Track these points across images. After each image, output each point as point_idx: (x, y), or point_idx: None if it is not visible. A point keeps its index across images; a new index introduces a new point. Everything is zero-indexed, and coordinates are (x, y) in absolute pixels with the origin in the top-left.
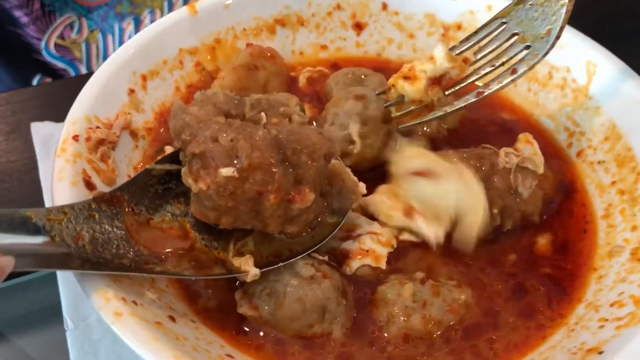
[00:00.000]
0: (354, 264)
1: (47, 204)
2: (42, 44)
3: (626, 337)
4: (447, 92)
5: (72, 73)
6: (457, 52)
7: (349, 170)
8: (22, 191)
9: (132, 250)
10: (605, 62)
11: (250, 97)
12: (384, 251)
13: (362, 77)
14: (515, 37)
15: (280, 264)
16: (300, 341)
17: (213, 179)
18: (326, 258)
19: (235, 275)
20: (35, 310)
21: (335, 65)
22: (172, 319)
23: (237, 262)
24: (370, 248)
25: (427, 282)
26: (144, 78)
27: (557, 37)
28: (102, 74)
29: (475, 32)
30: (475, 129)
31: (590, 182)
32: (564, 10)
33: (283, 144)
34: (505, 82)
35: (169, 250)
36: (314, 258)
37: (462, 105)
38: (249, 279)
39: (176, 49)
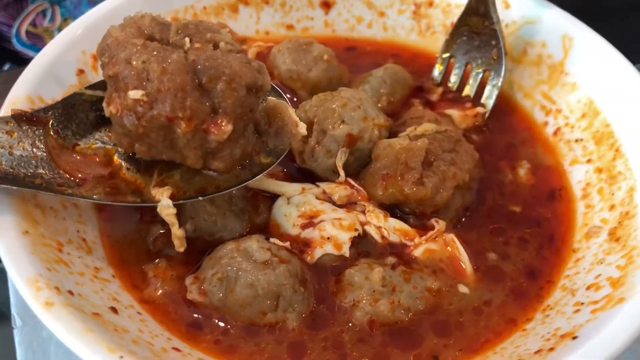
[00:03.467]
0: (316, 253)
1: None
2: (13, 31)
3: (602, 320)
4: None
5: None
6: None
7: (292, 110)
8: None
9: (51, 172)
10: (582, 36)
11: (178, 22)
12: (345, 236)
13: (304, 46)
14: (469, 66)
15: (200, 198)
16: (253, 331)
17: (122, 101)
18: (287, 245)
19: (147, 205)
20: None
21: None
22: (114, 310)
23: (154, 192)
24: (332, 235)
25: (398, 267)
26: (95, 58)
27: (505, 54)
28: (47, 53)
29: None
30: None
31: (567, 162)
32: (497, 29)
33: (200, 69)
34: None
35: (89, 175)
36: (273, 243)
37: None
38: (158, 208)
39: None
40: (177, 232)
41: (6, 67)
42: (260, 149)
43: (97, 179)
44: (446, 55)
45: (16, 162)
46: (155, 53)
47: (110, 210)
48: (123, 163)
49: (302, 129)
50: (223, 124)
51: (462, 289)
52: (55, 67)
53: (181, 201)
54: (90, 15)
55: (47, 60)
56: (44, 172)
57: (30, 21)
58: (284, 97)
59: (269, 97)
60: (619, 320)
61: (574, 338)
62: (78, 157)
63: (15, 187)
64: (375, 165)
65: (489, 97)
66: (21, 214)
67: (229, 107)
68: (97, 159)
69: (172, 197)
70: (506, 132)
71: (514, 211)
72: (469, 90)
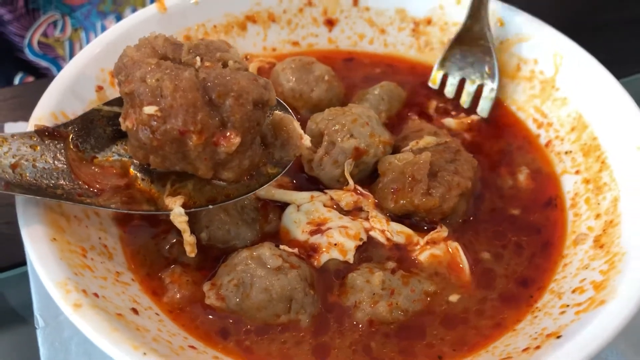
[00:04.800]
0: (323, 257)
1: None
2: (25, 42)
3: (584, 321)
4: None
5: (55, 71)
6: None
7: (297, 123)
8: None
9: (71, 183)
10: (572, 53)
11: (190, 42)
12: (351, 244)
13: (309, 64)
14: (464, 82)
15: (210, 207)
16: (267, 331)
17: (138, 116)
18: (296, 251)
19: (161, 212)
20: (6, 309)
21: None
22: (135, 311)
23: (168, 201)
24: (339, 241)
25: (397, 271)
26: (113, 75)
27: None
28: (69, 71)
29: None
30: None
31: (558, 173)
32: (490, 46)
33: (209, 86)
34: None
35: (107, 185)
36: (284, 250)
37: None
38: (171, 216)
39: None
40: (188, 238)
41: (19, 76)
42: (267, 160)
43: (114, 189)
44: (440, 72)
45: (39, 174)
46: (168, 71)
47: (129, 220)
48: (138, 174)
49: (307, 141)
50: (232, 137)
51: (458, 294)
52: (75, 84)
53: (193, 209)
54: (108, 35)
55: (68, 77)
56: (64, 183)
57: (42, 32)
58: (289, 112)
59: (276, 112)
60: (599, 321)
61: (558, 337)
62: (96, 169)
63: (39, 197)
64: (384, 180)
65: (483, 110)
66: (49, 223)
67: (237, 121)
68: (114, 171)
69: (184, 206)
70: (501, 139)
71: (514, 215)
72: (464, 102)
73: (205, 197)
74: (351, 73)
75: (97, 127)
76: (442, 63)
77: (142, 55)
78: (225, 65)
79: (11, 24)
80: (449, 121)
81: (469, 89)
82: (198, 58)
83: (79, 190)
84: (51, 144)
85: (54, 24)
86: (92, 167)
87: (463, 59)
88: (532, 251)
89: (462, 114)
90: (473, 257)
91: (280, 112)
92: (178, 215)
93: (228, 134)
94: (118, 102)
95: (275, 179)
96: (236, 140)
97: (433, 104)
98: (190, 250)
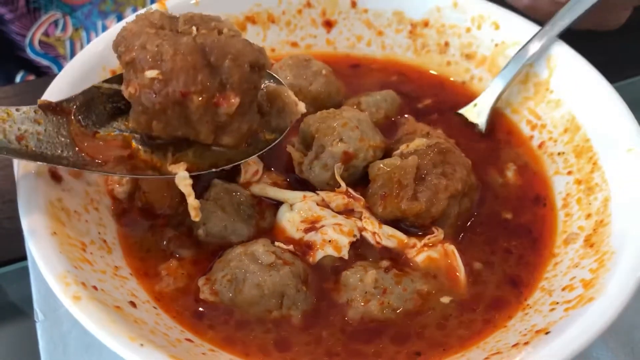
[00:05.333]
0: (318, 254)
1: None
2: (26, 41)
3: (572, 317)
4: None
5: (56, 70)
6: None
7: (291, 92)
8: None
9: (75, 156)
10: (566, 56)
11: (185, 14)
12: (345, 240)
13: (305, 61)
14: None
15: (213, 170)
16: (259, 326)
17: (140, 81)
18: (291, 247)
19: (165, 177)
20: (6, 303)
21: None
22: (133, 304)
23: (171, 168)
24: (333, 238)
25: (391, 270)
26: (114, 74)
27: None
28: (71, 69)
29: None
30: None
31: (551, 174)
32: None
33: (207, 50)
34: None
35: (110, 157)
36: (278, 247)
37: None
38: (176, 180)
39: None
40: (192, 202)
41: (20, 74)
42: (263, 127)
43: (117, 160)
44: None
45: (44, 146)
46: (167, 38)
47: (128, 214)
48: (140, 147)
49: (302, 107)
50: (231, 97)
51: (450, 296)
52: (77, 82)
53: (196, 173)
54: (111, 33)
55: (70, 76)
56: (69, 154)
57: (43, 31)
58: (282, 83)
59: (269, 84)
60: (587, 318)
61: (547, 333)
62: (99, 142)
63: (45, 163)
64: (373, 187)
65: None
66: (49, 217)
67: (235, 82)
68: (117, 143)
69: (187, 171)
70: (488, 137)
71: (506, 218)
72: None
73: (207, 163)
74: (357, 79)
75: (97, 104)
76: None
77: (141, 27)
78: (220, 32)
79: (12, 23)
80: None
81: None
82: (194, 27)
83: (82, 162)
84: (54, 119)
85: (55, 23)
86: (94, 140)
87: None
88: (522, 252)
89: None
90: (466, 259)
91: (273, 84)
92: (183, 178)
93: (228, 94)
94: (117, 80)
95: (275, 143)
96: (236, 100)
97: (426, 101)
98: (195, 215)
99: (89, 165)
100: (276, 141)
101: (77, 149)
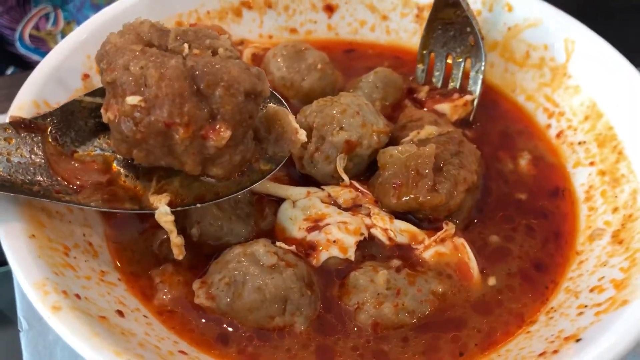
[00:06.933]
0: (322, 256)
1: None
2: (16, 35)
3: (605, 323)
4: None
5: None
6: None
7: (292, 117)
8: None
9: (49, 179)
10: (584, 38)
11: (177, 28)
12: (352, 240)
13: (302, 50)
14: (450, 56)
15: (198, 205)
16: (261, 335)
17: (120, 107)
18: (293, 248)
19: (145, 212)
20: None
21: None
22: (121, 313)
23: (153, 199)
24: (338, 238)
25: (403, 270)
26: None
27: (482, 38)
28: (53, 58)
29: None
30: None
31: (571, 165)
32: (469, 15)
33: (198, 75)
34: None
35: (87, 182)
36: (280, 247)
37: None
38: (156, 215)
39: None
40: (175, 239)
41: (9, 70)
42: (259, 156)
43: (95, 186)
44: (425, 51)
45: (14, 169)
46: (153, 59)
47: (116, 215)
48: (122, 170)
49: (302, 135)
50: (222, 129)
51: (467, 295)
52: (60, 71)
53: (179, 208)
54: (96, 20)
55: (52, 65)
56: (42, 179)
57: (34, 25)
58: (284, 104)
59: (269, 104)
60: (622, 323)
61: (578, 340)
62: (76, 164)
63: (12, 194)
64: (384, 175)
65: (474, 84)
66: (27, 218)
67: (227, 113)
68: (96, 166)
69: (170, 204)
70: (498, 122)
71: (520, 199)
72: (453, 82)
73: (193, 194)
74: (353, 63)
75: (77, 119)
76: (425, 41)
77: (126, 42)
78: (215, 53)
79: (1, 17)
80: (443, 107)
81: (457, 65)
82: (186, 45)
83: (57, 187)
84: (28, 137)
85: (46, 16)
86: (72, 162)
87: (444, 33)
88: (545, 236)
89: (456, 94)
90: (482, 244)
91: (274, 105)
92: (164, 214)
93: (218, 126)
94: (101, 92)
95: (268, 176)
96: (226, 133)
97: (424, 89)
98: (178, 253)
99: (62, 194)
100: (271, 173)
101: (51, 171)
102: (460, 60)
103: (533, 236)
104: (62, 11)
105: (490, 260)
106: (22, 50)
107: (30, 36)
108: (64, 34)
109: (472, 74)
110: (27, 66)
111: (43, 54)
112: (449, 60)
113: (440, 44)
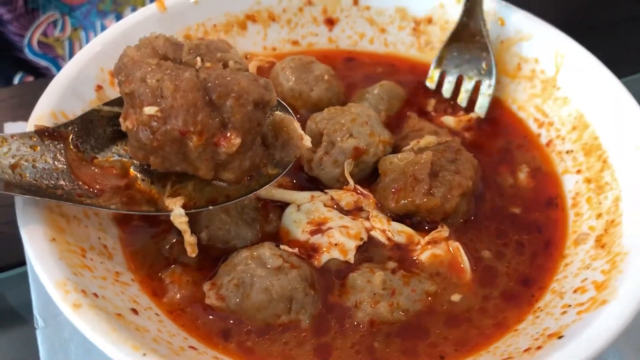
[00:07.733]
0: (323, 257)
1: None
2: (25, 42)
3: (586, 321)
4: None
5: (54, 71)
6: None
7: (297, 124)
8: None
9: (71, 183)
10: (573, 52)
11: (190, 42)
12: (352, 244)
13: (308, 63)
14: (462, 78)
15: (210, 207)
16: (268, 331)
17: (138, 117)
18: (296, 251)
19: (161, 213)
20: (6, 309)
21: None
22: (135, 311)
23: (168, 202)
24: (339, 241)
25: (398, 271)
26: (112, 75)
27: (495, 64)
28: (69, 70)
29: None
30: None
31: (560, 172)
32: (486, 42)
33: (210, 87)
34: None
35: (106, 186)
36: (284, 250)
37: None
38: (172, 217)
39: None
40: (189, 239)
41: (18, 75)
42: (267, 161)
43: (114, 190)
44: (437, 70)
45: (39, 175)
46: (168, 72)
47: (129, 220)
48: (138, 175)
49: (307, 142)
50: (232, 137)
51: (460, 294)
52: (75, 83)
53: (193, 210)
54: (108, 34)
55: (68, 77)
56: (64, 183)
57: (42, 31)
58: (289, 112)
59: (276, 112)
60: (601, 321)
61: (560, 337)
62: (96, 170)
63: (38, 198)
64: (385, 180)
65: (482, 107)
66: (48, 223)
67: (237, 122)
68: (114, 172)
69: (184, 207)
70: (501, 137)
71: (514, 214)
72: (461, 100)
73: (205, 197)
74: (352, 72)
75: (96, 128)
76: (439, 61)
77: (142, 55)
78: (225, 65)
79: (10, 24)
80: (448, 119)
81: (467, 86)
82: (199, 58)
83: (78, 191)
84: (51, 145)
85: (54, 23)
86: (92, 167)
87: (460, 56)
88: (534, 250)
89: (461, 112)
90: (474, 256)
91: (280, 113)
92: (178, 216)
93: (229, 134)
94: (118, 102)
95: (275, 180)
96: (237, 140)
97: (432, 102)
98: (191, 251)
99: (84, 197)
100: (278, 177)
101: (73, 176)
102: (472, 82)
103: (522, 252)
104: (69, 18)
105: (481, 278)
106: (31, 56)
107: (39, 42)
108: (71, 40)
109: (480, 97)
110: (35, 71)
111: (51, 59)
112: (460, 81)
113: (453, 65)
